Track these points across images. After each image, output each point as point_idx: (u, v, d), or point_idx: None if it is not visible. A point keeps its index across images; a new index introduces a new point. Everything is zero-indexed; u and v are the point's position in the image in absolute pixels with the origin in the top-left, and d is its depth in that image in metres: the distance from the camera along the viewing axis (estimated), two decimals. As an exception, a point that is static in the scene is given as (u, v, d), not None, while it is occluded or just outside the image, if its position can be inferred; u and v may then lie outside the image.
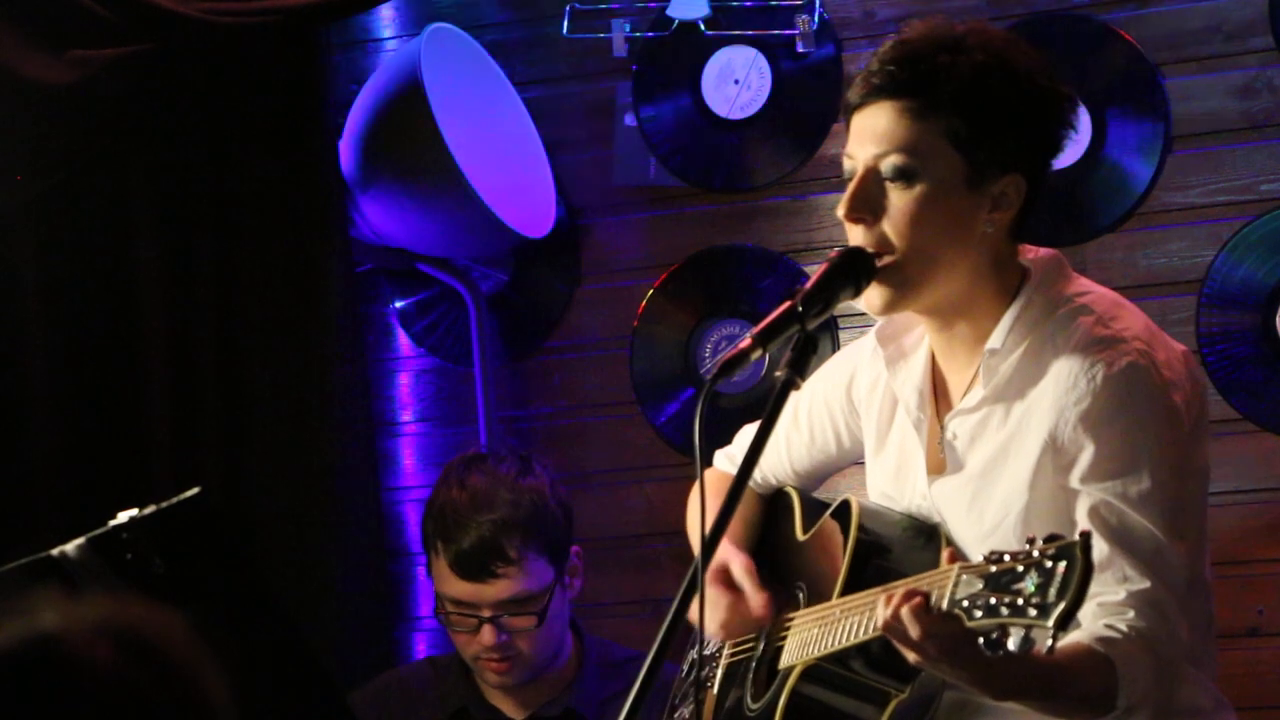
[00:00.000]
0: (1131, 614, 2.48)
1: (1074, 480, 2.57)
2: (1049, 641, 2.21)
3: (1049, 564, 2.22)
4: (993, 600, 2.25)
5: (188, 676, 1.64)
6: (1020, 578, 2.23)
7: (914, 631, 2.35)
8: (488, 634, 3.49)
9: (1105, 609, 2.47)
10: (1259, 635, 4.07)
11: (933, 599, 2.35)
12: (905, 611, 2.35)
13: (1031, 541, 2.26)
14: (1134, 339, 2.61)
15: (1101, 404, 2.56)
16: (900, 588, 2.40)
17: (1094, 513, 2.53)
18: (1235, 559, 4.02)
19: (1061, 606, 2.19)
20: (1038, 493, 2.61)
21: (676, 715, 3.05)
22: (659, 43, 4.43)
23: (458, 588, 3.50)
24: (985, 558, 2.29)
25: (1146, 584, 2.50)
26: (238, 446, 4.34)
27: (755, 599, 2.85)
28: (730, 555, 2.89)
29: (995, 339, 2.65)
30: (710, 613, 2.84)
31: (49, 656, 1.61)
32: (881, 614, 2.39)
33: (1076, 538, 2.23)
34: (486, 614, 3.49)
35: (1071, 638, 2.42)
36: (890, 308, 2.66)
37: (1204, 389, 2.74)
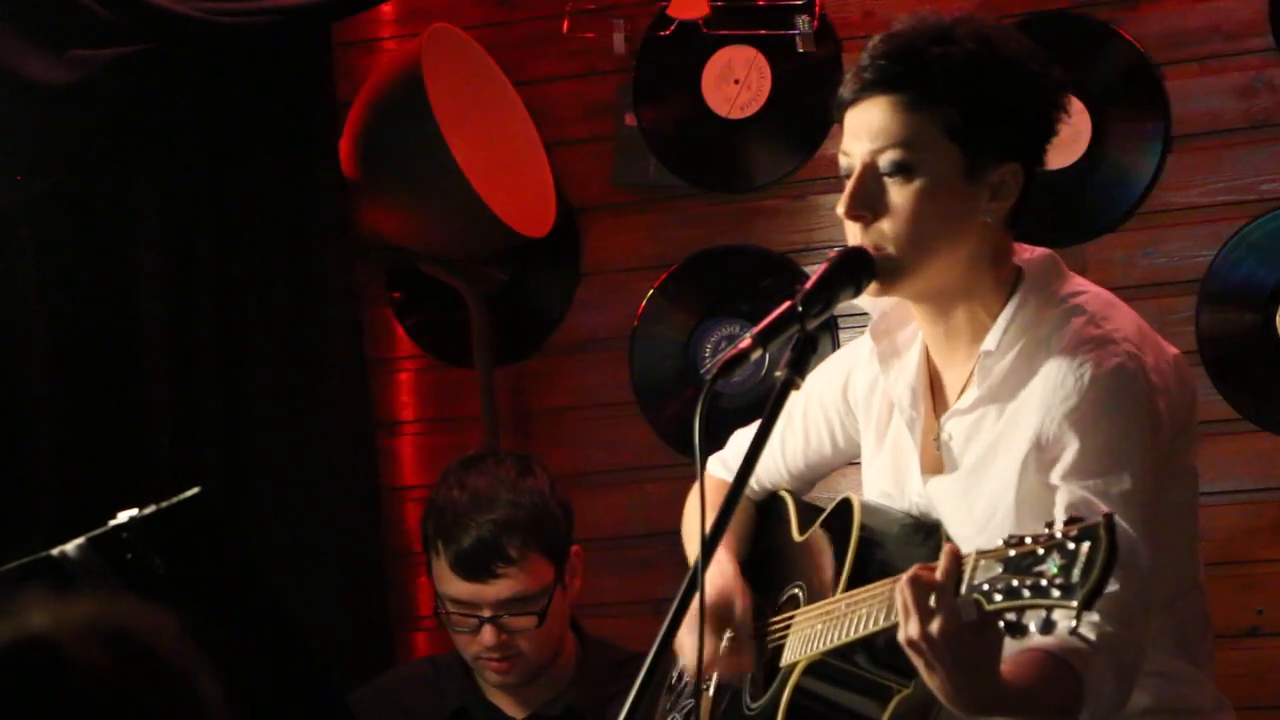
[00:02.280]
0: (1098, 618, 2.47)
1: (1055, 476, 2.57)
2: (1072, 623, 2.20)
3: (1072, 545, 2.20)
4: (1014, 583, 2.23)
5: (179, 676, 1.64)
6: (1041, 560, 2.22)
7: (912, 596, 2.33)
8: (488, 634, 3.50)
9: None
10: (1259, 635, 4.07)
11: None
12: (944, 568, 2.33)
13: (1051, 524, 2.25)
14: (1124, 340, 2.61)
15: (1088, 403, 2.56)
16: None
17: (1071, 509, 2.52)
18: (1235, 559, 4.02)
19: (1087, 586, 2.17)
20: (1024, 490, 2.60)
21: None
22: (659, 43, 4.43)
23: (458, 588, 3.51)
24: (1004, 541, 2.27)
25: (1115, 587, 2.47)
26: (238, 446, 4.34)
27: (749, 644, 2.85)
28: (733, 588, 2.88)
29: (990, 341, 2.65)
30: (705, 646, 2.82)
31: (37, 657, 1.60)
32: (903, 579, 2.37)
33: (1100, 517, 2.21)
34: (487, 614, 3.49)
35: (1038, 645, 2.41)
36: (881, 292, 2.66)
37: (1194, 392, 2.73)
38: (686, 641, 2.83)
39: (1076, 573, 2.18)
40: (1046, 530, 2.24)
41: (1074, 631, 2.23)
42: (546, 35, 4.52)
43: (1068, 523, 2.23)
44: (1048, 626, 2.21)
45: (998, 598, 2.25)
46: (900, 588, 2.37)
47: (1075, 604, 2.18)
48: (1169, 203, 4.16)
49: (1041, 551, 2.23)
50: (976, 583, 2.29)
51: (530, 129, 4.47)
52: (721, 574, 2.90)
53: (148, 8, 4.17)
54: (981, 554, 2.30)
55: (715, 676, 2.94)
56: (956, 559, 2.33)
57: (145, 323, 4.35)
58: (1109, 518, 2.21)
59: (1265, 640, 4.07)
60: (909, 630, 2.36)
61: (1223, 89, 4.13)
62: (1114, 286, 2.79)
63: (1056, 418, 2.57)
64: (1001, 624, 2.25)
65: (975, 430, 2.68)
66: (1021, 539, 2.26)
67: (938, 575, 2.33)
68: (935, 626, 2.33)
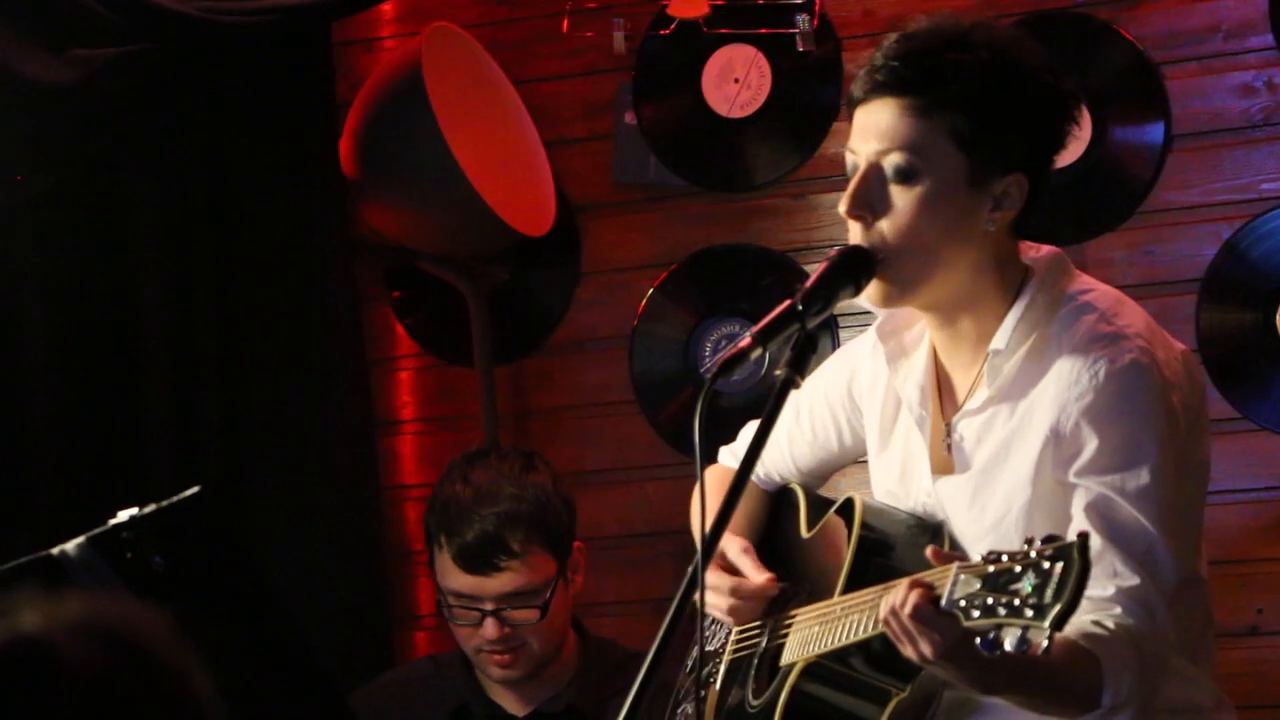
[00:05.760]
0: (1119, 610, 2.48)
1: (1072, 474, 2.57)
2: (1044, 643, 2.21)
3: (1046, 565, 2.22)
4: (990, 600, 2.25)
5: (175, 675, 1.64)
6: (1018, 578, 2.24)
7: (914, 626, 2.35)
8: (490, 627, 3.51)
9: (1094, 603, 2.47)
10: (1259, 635, 4.07)
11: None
12: (908, 605, 2.35)
13: (1030, 542, 2.26)
14: (1136, 336, 2.61)
15: (1104, 400, 2.57)
16: (902, 583, 2.41)
17: (1090, 507, 2.54)
18: (1235, 559, 4.02)
19: (1058, 608, 2.20)
20: (1040, 488, 2.61)
21: (679, 711, 3.06)
22: (659, 42, 4.43)
23: (460, 581, 3.52)
24: (983, 558, 2.29)
25: (1136, 580, 2.50)
26: (238, 446, 4.34)
27: (755, 577, 2.86)
28: (726, 541, 2.89)
29: (999, 339, 2.65)
30: (714, 598, 2.85)
31: (32, 656, 1.60)
32: (884, 606, 2.40)
33: (1074, 538, 2.23)
34: (489, 607, 3.50)
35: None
36: (888, 302, 2.66)
37: (1203, 388, 2.74)
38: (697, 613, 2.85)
39: (1049, 594, 2.20)
40: (1024, 548, 2.26)
41: (1097, 624, 2.25)
42: (546, 35, 4.51)
43: (1045, 541, 2.25)
44: (1023, 644, 2.22)
45: (975, 614, 2.27)
46: (885, 628, 2.39)
47: (1046, 625, 2.19)
48: (1169, 203, 4.16)
49: (1018, 569, 2.24)
50: (955, 597, 2.30)
51: (530, 129, 4.47)
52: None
53: (148, 7, 4.17)
54: (962, 569, 2.31)
55: (730, 650, 2.95)
56: (921, 589, 2.36)
57: (145, 322, 4.35)
58: (1083, 538, 2.22)
59: (1265, 640, 4.07)
60: (905, 653, 2.39)
61: (1223, 89, 4.13)
62: (1115, 286, 2.78)
63: (1072, 415, 2.58)
64: (978, 640, 2.26)
65: (986, 430, 2.68)
66: (1000, 556, 2.28)
67: (907, 609, 2.35)
68: (927, 651, 2.36)
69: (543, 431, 4.54)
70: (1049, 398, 2.60)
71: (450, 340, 4.60)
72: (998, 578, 2.26)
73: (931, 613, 2.34)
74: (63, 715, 1.59)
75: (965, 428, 2.70)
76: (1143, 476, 2.54)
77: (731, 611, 2.89)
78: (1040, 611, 2.20)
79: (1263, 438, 4.08)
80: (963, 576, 2.30)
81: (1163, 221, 4.17)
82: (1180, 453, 2.60)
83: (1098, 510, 2.53)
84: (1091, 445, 2.56)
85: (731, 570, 2.89)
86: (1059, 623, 2.20)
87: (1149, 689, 2.52)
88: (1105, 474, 2.55)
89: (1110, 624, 2.47)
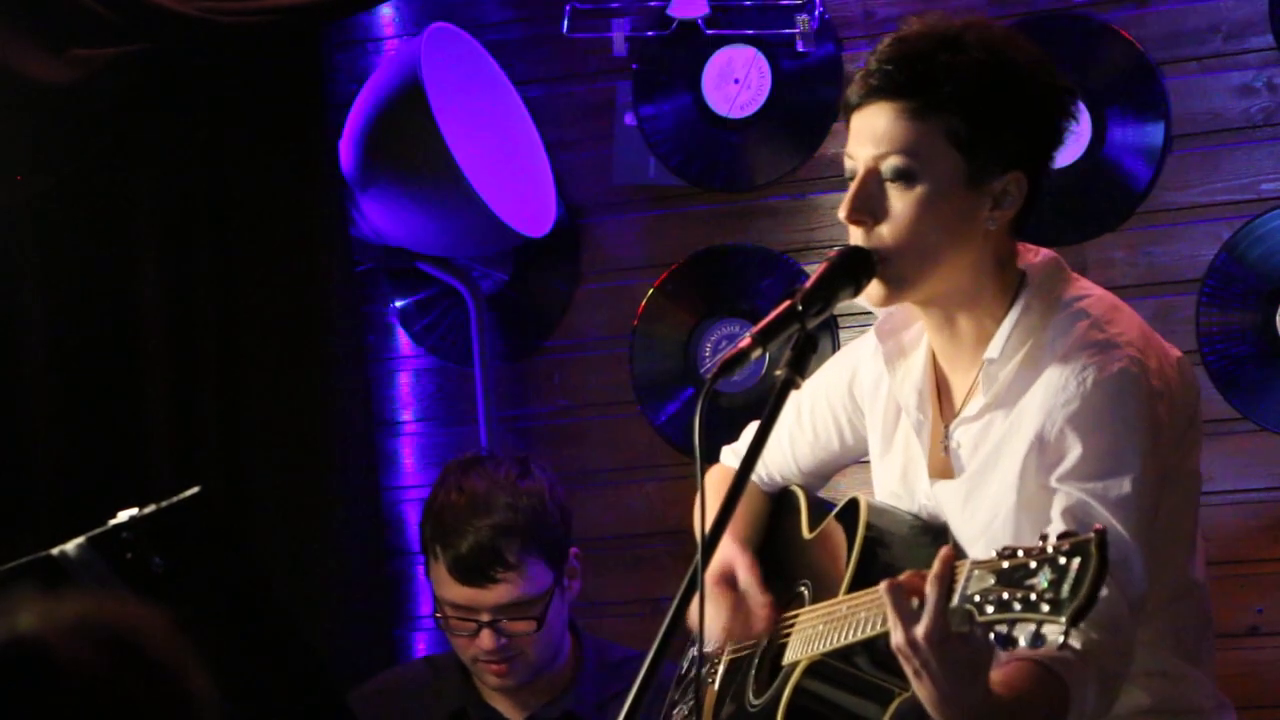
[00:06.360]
0: (1085, 624, 2.47)
1: (1053, 479, 2.56)
2: (1060, 639, 2.20)
3: (1063, 560, 2.21)
4: (1005, 595, 2.24)
5: (170, 674, 1.64)
6: (1033, 573, 2.22)
7: (920, 603, 2.33)
8: (487, 638, 3.48)
9: None
10: (1259, 635, 4.07)
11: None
12: (935, 573, 2.33)
13: (1045, 537, 2.25)
14: (1128, 344, 2.61)
15: (1089, 407, 2.56)
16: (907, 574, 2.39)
17: (1068, 512, 2.52)
18: (1235, 559, 4.02)
19: (1076, 603, 2.18)
20: (1025, 493, 2.60)
21: (675, 712, 3.05)
22: (659, 42, 4.43)
23: (456, 592, 3.49)
24: (998, 553, 2.27)
25: (1105, 593, 2.48)
26: (237, 446, 4.34)
27: (759, 603, 2.84)
28: (735, 556, 2.88)
29: (994, 348, 2.64)
30: (713, 615, 2.83)
31: (27, 657, 1.60)
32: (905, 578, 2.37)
33: (1091, 534, 2.22)
34: (485, 618, 3.47)
35: (1024, 653, 2.40)
36: (887, 301, 2.66)
37: (1197, 394, 2.73)
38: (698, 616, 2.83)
39: (1066, 588, 2.19)
40: (1040, 543, 2.24)
41: (1062, 645, 2.23)
42: (546, 35, 4.51)
43: (1061, 536, 2.24)
44: (1037, 640, 2.21)
45: (989, 609, 2.25)
46: (886, 593, 2.37)
47: (1063, 620, 2.18)
48: (1169, 203, 4.16)
49: (1033, 565, 2.23)
50: (969, 593, 2.29)
51: (530, 129, 4.47)
52: (722, 547, 2.89)
53: (148, 7, 4.17)
54: (975, 564, 2.30)
55: (727, 652, 2.94)
56: (949, 562, 2.34)
57: (145, 322, 4.35)
58: (1100, 534, 2.21)
59: (1265, 640, 4.07)
60: (896, 637, 2.36)
61: (1223, 89, 4.13)
62: (1114, 286, 2.79)
63: (1058, 421, 2.57)
64: (992, 635, 2.25)
65: (983, 437, 2.67)
66: (1014, 551, 2.26)
67: (929, 580, 2.33)
68: (922, 630, 2.33)
69: (542, 433, 4.54)
70: (1037, 403, 2.60)
71: (450, 341, 4.60)
72: (1013, 573, 2.25)
73: (922, 596, 2.33)
74: (61, 716, 1.59)
75: (962, 435, 2.69)
76: (1124, 486, 2.53)
77: (725, 630, 2.87)
78: (1057, 606, 2.19)
79: (1263, 438, 4.08)
80: (976, 572, 2.29)
81: (1163, 221, 4.16)
82: (1163, 464, 2.60)
83: (1075, 516, 2.51)
84: (1075, 452, 2.55)
85: (735, 589, 2.87)
86: (1076, 618, 2.18)
87: (1108, 705, 2.51)
88: (1086, 481, 2.54)
89: (1077, 643, 2.43)
